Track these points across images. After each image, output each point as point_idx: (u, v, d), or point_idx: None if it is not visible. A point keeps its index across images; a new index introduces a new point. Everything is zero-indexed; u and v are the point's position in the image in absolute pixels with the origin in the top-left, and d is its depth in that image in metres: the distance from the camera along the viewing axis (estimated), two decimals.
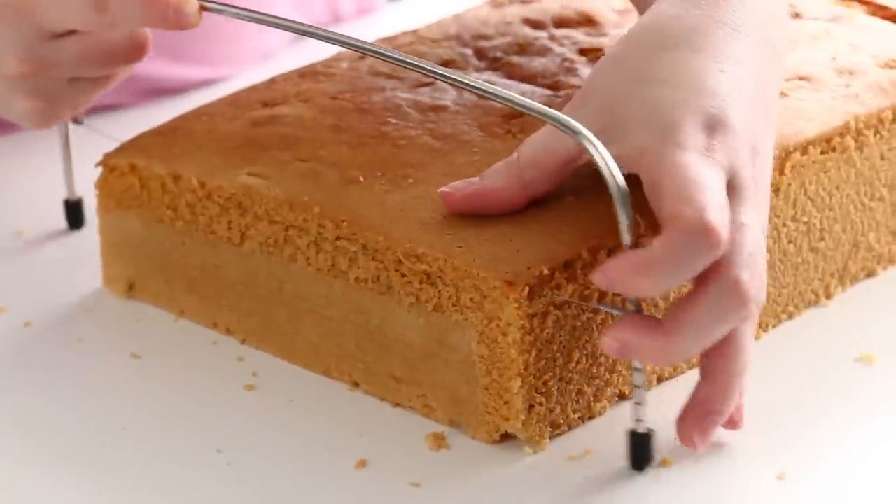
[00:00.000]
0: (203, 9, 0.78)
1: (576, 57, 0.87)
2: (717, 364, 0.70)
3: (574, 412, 0.75)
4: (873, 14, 0.89)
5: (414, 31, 0.91)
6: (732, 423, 0.72)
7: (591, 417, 0.76)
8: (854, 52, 0.85)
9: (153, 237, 0.84)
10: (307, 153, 0.80)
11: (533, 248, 0.73)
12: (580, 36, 0.89)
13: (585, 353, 0.75)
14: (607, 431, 0.75)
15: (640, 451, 0.72)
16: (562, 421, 0.75)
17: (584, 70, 0.86)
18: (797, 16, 0.88)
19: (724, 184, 0.70)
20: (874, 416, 0.75)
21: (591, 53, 0.88)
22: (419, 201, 0.76)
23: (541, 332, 0.73)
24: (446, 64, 0.87)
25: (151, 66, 1.01)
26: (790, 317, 0.82)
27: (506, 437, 0.75)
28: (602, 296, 0.75)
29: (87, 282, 0.87)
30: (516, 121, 0.81)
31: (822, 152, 0.81)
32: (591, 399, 0.76)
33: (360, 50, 0.76)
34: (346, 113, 0.83)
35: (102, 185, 0.85)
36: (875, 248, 0.85)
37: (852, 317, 0.82)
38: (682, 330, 0.68)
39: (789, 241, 0.81)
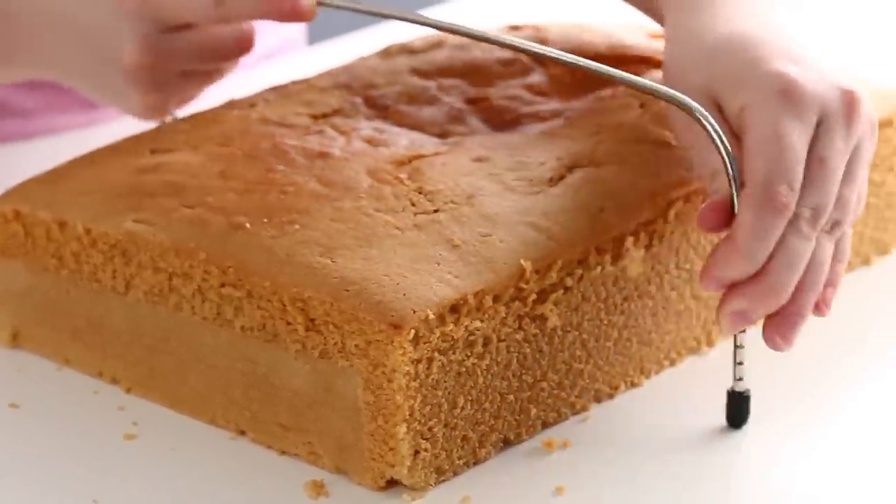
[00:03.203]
0: (319, 3, 0.82)
1: (463, 106, 0.88)
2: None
3: (459, 458, 0.76)
4: None
5: (305, 80, 0.91)
6: (818, 310, 0.76)
7: (475, 463, 0.76)
8: None
9: (38, 286, 0.83)
10: (194, 200, 0.80)
11: (419, 293, 0.74)
12: (467, 86, 0.90)
13: (470, 398, 0.75)
14: (490, 478, 0.75)
15: (739, 409, 0.77)
16: (447, 467, 0.75)
17: (470, 119, 0.87)
18: None
19: (811, 127, 0.74)
20: (750, 469, 0.76)
21: (478, 103, 0.89)
22: (305, 247, 0.76)
23: (426, 377, 0.74)
24: (335, 112, 0.88)
25: None
26: (672, 363, 0.83)
27: (391, 484, 0.75)
28: (487, 342, 0.75)
29: None
30: (406, 167, 0.82)
31: (703, 201, 0.82)
32: (476, 445, 0.76)
33: (476, 38, 0.81)
34: (234, 160, 0.83)
35: None
36: None
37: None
38: (772, 265, 0.73)
39: (672, 289, 0.82)
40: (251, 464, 0.77)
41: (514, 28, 0.97)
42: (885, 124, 0.88)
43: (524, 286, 0.76)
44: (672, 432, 0.78)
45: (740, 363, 0.77)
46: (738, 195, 0.74)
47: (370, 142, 0.84)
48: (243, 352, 0.78)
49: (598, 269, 0.78)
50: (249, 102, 0.89)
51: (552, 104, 0.88)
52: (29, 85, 1.03)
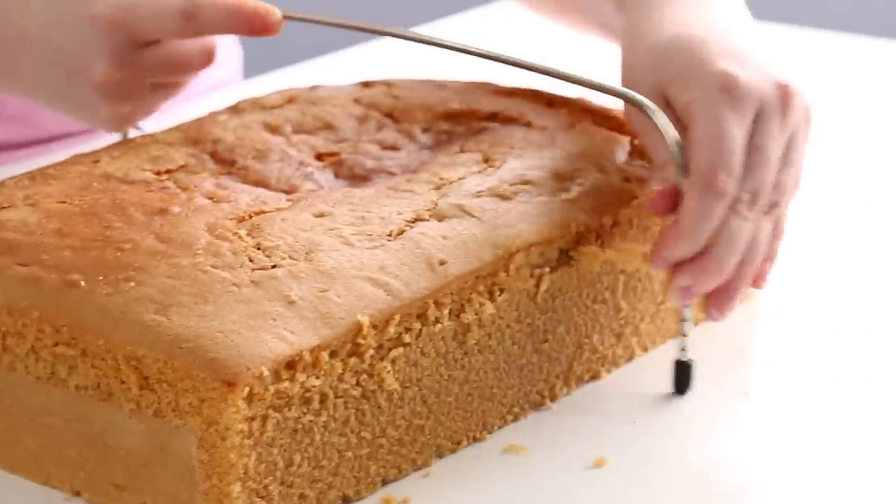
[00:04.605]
0: (286, 17, 0.86)
1: (312, 161, 0.88)
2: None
3: None
4: (600, 124, 0.91)
5: (153, 134, 0.90)
6: (756, 283, 0.83)
7: None
8: (578, 159, 0.87)
9: None
10: (28, 257, 0.79)
11: (254, 349, 0.73)
12: (318, 141, 0.90)
13: (307, 456, 0.74)
14: None
15: (683, 377, 0.84)
16: None
17: (319, 174, 0.87)
18: (529, 125, 0.90)
19: (750, 120, 0.80)
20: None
21: (327, 158, 0.88)
22: (140, 304, 0.75)
23: (261, 435, 0.73)
24: (180, 168, 0.87)
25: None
26: (515, 418, 0.82)
27: None
28: (323, 399, 0.74)
29: None
30: (246, 223, 0.81)
31: (542, 253, 0.82)
32: (314, 503, 0.75)
33: (447, 48, 0.85)
34: (71, 217, 0.82)
35: None
36: (599, 349, 0.86)
37: (580, 419, 0.83)
38: (714, 245, 0.79)
39: (513, 343, 0.81)
40: None
41: (366, 85, 0.97)
42: None
43: (361, 342, 0.75)
44: (516, 485, 0.77)
45: (685, 335, 0.83)
46: (684, 183, 0.80)
47: (212, 198, 0.84)
48: (77, 411, 0.76)
49: (438, 324, 0.78)
50: (93, 158, 0.88)
51: (401, 159, 0.88)
52: None
